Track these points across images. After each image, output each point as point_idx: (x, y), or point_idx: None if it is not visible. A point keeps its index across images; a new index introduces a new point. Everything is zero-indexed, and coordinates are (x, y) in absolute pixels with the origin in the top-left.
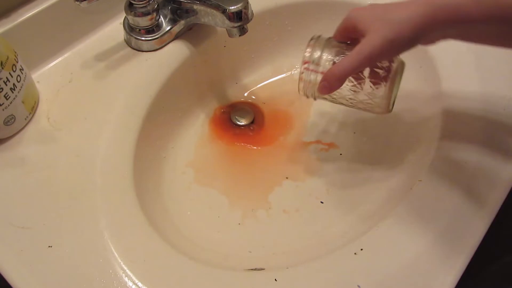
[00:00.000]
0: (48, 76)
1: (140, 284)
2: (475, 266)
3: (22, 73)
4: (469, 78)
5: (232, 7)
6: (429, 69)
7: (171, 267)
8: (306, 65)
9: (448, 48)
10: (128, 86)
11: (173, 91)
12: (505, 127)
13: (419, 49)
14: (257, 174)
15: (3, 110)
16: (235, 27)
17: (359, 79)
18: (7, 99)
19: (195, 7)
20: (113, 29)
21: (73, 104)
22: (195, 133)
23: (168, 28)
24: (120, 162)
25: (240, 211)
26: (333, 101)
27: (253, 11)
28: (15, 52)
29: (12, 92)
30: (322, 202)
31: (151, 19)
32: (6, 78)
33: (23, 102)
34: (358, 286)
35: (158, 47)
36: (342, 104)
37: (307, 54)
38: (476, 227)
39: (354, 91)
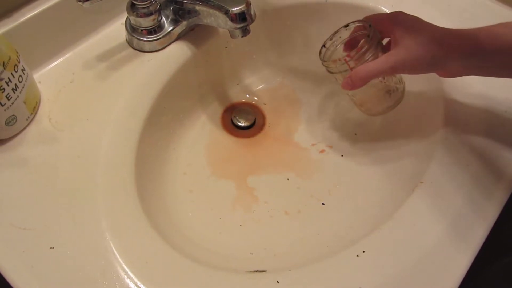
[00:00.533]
0: (49, 77)
1: (142, 286)
2: (475, 267)
3: (24, 73)
4: (472, 79)
5: (235, 8)
6: None
7: (173, 269)
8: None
9: None
10: (129, 87)
11: (174, 92)
12: (508, 128)
13: None
14: (258, 175)
15: (4, 110)
16: (238, 28)
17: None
18: (9, 100)
19: (197, 8)
20: (115, 30)
21: (74, 104)
22: (197, 134)
23: (170, 28)
24: (122, 163)
25: (241, 212)
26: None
27: (256, 12)
28: (17, 52)
29: (14, 93)
30: (323, 204)
31: (153, 19)
32: (8, 78)
33: (24, 102)
34: None
35: (160, 48)
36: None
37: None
38: (478, 229)
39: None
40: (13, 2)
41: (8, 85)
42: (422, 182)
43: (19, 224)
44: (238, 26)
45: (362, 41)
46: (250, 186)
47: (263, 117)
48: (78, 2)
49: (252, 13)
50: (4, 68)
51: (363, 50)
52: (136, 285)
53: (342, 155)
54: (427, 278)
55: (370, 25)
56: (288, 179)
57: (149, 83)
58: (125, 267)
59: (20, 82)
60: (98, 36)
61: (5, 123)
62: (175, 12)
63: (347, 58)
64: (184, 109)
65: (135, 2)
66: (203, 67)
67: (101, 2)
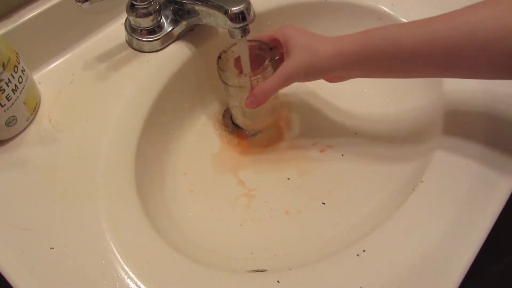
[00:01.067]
0: (49, 77)
1: (142, 286)
2: (476, 266)
3: (23, 74)
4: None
5: (234, 8)
6: None
7: (173, 269)
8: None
9: None
10: (129, 87)
11: (174, 92)
12: (508, 127)
13: None
14: (258, 175)
15: (4, 111)
16: (237, 28)
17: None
18: (8, 100)
19: (196, 8)
20: (115, 30)
21: (74, 105)
22: (197, 134)
23: (170, 29)
24: (122, 163)
25: (241, 212)
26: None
27: (255, 12)
28: (17, 53)
29: (14, 93)
30: (323, 203)
31: (153, 20)
32: (8, 79)
33: (24, 103)
34: None
35: (159, 48)
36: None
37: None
38: (479, 228)
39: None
40: (13, 3)
41: (8, 86)
42: (423, 182)
43: (20, 225)
44: (238, 26)
45: (266, 62)
46: (250, 186)
47: None
48: (78, 3)
49: (252, 13)
50: (4, 69)
51: (267, 70)
52: (137, 285)
53: (342, 155)
54: (428, 277)
55: (271, 49)
56: (288, 179)
57: (149, 84)
58: (125, 267)
59: (20, 83)
60: (97, 37)
61: (5, 124)
62: (175, 12)
63: (252, 76)
64: (184, 109)
65: (134, 3)
66: (203, 67)
67: (101, 3)
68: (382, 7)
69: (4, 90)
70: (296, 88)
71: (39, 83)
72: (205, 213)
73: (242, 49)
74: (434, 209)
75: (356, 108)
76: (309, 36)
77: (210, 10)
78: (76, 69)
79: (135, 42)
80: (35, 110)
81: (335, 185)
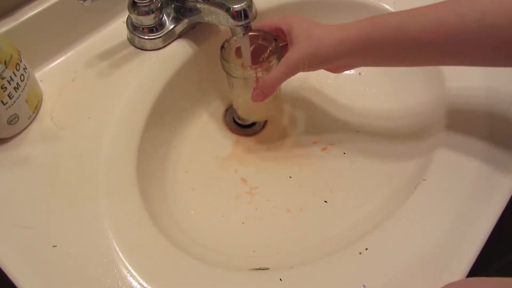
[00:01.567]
0: (51, 75)
1: (145, 284)
2: (478, 264)
3: (25, 72)
4: (474, 76)
5: (236, 6)
6: (432, 67)
7: (176, 267)
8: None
9: None
10: (131, 85)
11: (176, 90)
12: (510, 125)
13: None
14: (259, 173)
15: (6, 109)
16: (239, 25)
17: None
18: (10, 98)
19: (198, 5)
20: (116, 28)
21: (76, 103)
22: (199, 132)
23: (172, 27)
24: (124, 161)
25: (243, 210)
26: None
27: (257, 10)
28: (19, 51)
29: (16, 91)
30: (326, 202)
31: (155, 18)
32: (10, 77)
33: (26, 101)
34: (364, 286)
35: (161, 46)
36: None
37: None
38: (481, 226)
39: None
40: (15, 1)
41: (10, 84)
42: (425, 180)
43: (22, 223)
44: (240, 23)
45: (270, 53)
46: (252, 184)
47: None
48: (79, 1)
49: (253, 10)
50: (6, 67)
51: (272, 63)
52: (139, 283)
53: (344, 153)
54: (430, 275)
55: (275, 39)
56: (290, 177)
57: (151, 82)
58: (127, 265)
59: (22, 81)
60: (99, 35)
61: (7, 122)
62: (176, 10)
63: (258, 68)
64: (186, 107)
65: (136, 0)
66: (204, 65)
67: (103, 1)
68: (384, 5)
69: (6, 88)
70: (299, 85)
71: (41, 81)
72: (207, 211)
73: (243, 46)
74: (437, 208)
75: (358, 106)
76: (313, 25)
77: (212, 8)
78: (78, 67)
79: (136, 40)
80: (37, 108)
81: (337, 183)
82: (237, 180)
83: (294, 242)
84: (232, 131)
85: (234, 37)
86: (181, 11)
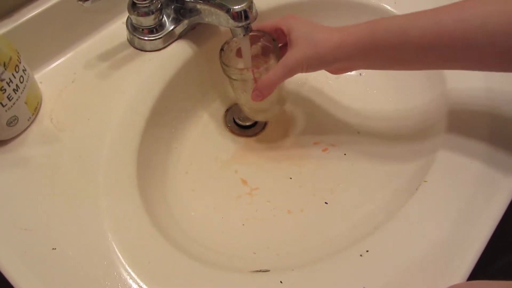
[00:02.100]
0: (51, 77)
1: (144, 286)
2: (479, 265)
3: (25, 73)
4: (475, 77)
5: (236, 7)
6: None
7: (176, 269)
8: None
9: None
10: (131, 86)
11: (176, 91)
12: (511, 126)
13: None
14: (260, 174)
15: (6, 111)
16: (239, 26)
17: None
18: (10, 100)
19: (198, 6)
20: (116, 29)
21: (76, 104)
22: (199, 133)
23: (172, 27)
24: (124, 162)
25: (243, 211)
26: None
27: (257, 10)
28: (18, 53)
29: (15, 93)
30: (326, 203)
31: (154, 18)
32: (9, 79)
33: (26, 103)
34: None
35: (161, 47)
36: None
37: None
38: (482, 227)
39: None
40: (14, 2)
41: (9, 86)
42: (426, 181)
43: (21, 225)
44: (240, 24)
45: (268, 50)
46: (252, 185)
47: None
48: (79, 2)
49: (254, 11)
50: (5, 69)
51: (270, 63)
52: (139, 285)
53: (345, 154)
54: (431, 277)
55: (274, 40)
56: (290, 178)
57: (151, 83)
58: (127, 267)
59: (21, 82)
60: (99, 36)
61: (7, 124)
62: (176, 11)
63: (255, 70)
64: (186, 108)
65: (136, 1)
66: (204, 66)
67: (102, 2)
68: (385, 5)
69: (5, 90)
70: (300, 86)
71: (41, 82)
72: (207, 212)
73: (244, 47)
74: (438, 209)
75: (359, 107)
76: (313, 27)
77: (212, 9)
78: (77, 68)
79: (136, 41)
80: (36, 109)
81: (337, 184)
82: (238, 181)
83: (295, 243)
84: (233, 132)
85: (234, 39)
86: (181, 12)
